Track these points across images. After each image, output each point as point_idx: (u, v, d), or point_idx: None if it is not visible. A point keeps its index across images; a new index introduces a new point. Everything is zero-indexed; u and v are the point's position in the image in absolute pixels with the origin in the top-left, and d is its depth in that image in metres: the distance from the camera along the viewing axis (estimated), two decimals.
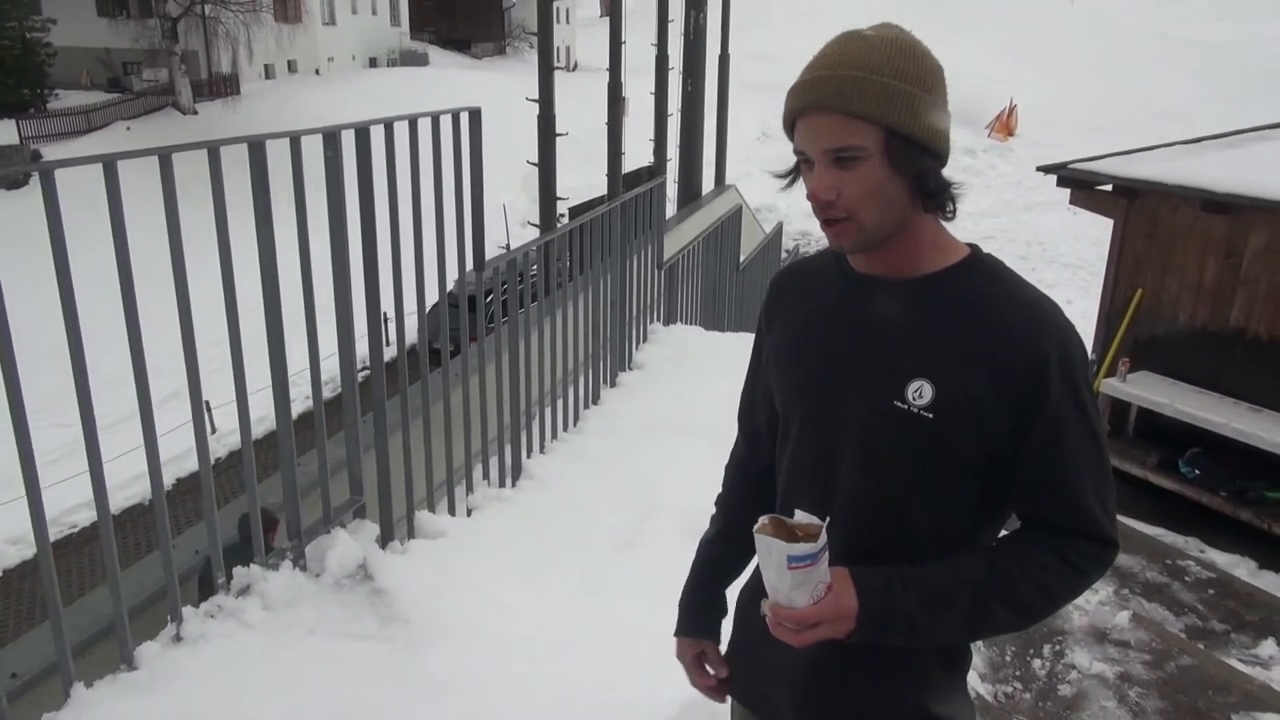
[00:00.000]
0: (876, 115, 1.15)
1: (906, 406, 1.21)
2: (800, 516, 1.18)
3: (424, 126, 2.91)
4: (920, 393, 1.21)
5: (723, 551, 1.54)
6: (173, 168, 2.14)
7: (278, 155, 2.45)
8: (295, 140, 2.43)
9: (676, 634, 1.54)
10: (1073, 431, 1.20)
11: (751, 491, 1.52)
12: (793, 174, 1.27)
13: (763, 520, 1.19)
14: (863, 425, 1.26)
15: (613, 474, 3.96)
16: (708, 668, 1.52)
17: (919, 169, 1.19)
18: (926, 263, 1.26)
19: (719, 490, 1.60)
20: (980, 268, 1.27)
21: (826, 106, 1.17)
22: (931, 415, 1.20)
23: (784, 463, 1.39)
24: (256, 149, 2.40)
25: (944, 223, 1.27)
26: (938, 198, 1.22)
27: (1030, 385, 1.18)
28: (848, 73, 1.16)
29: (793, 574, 1.15)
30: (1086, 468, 1.22)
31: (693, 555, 1.58)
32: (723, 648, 1.54)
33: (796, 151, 1.23)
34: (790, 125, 1.23)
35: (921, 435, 1.21)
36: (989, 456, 1.22)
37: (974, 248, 1.30)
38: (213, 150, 2.25)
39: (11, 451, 1.96)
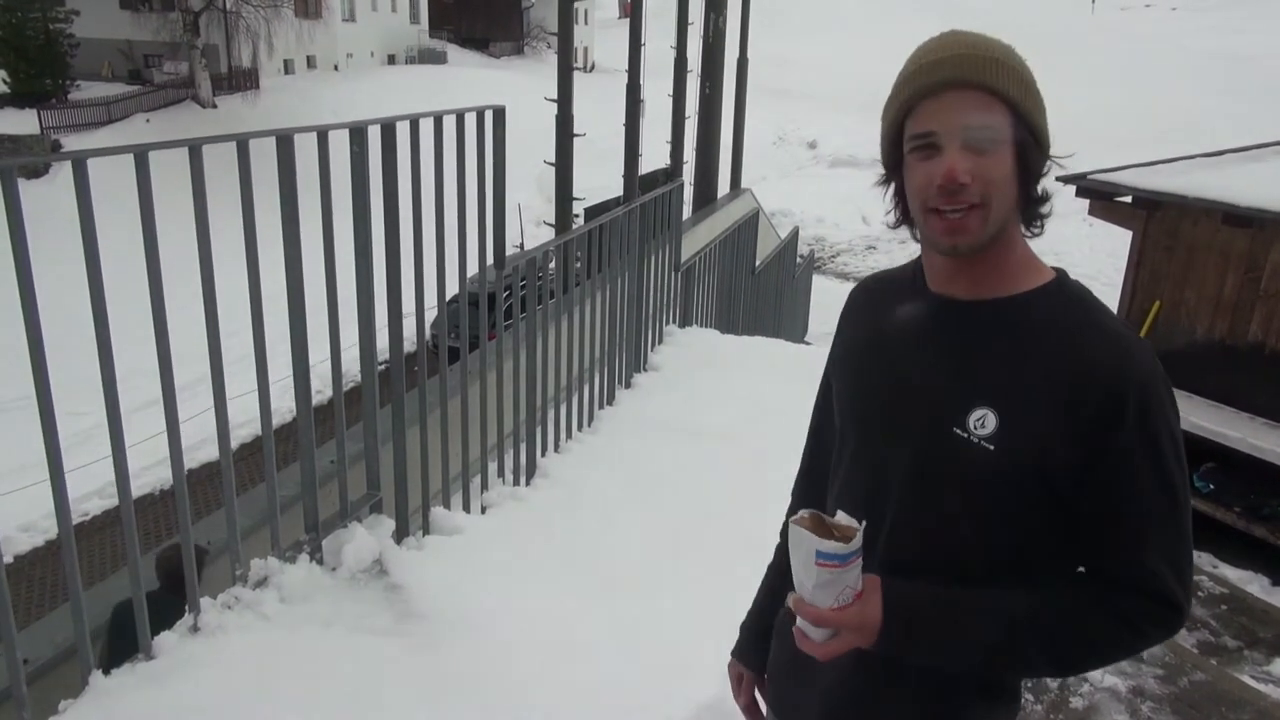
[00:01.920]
0: (1014, 96, 1.11)
1: (966, 435, 1.15)
2: (840, 517, 1.16)
3: (448, 123, 2.91)
4: (983, 422, 1.14)
5: (783, 583, 1.48)
6: (203, 160, 2.16)
7: (298, 149, 2.47)
8: (323, 135, 2.44)
9: (732, 653, 1.57)
10: (1143, 480, 1.12)
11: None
12: (891, 173, 1.22)
13: (802, 513, 1.16)
14: (918, 450, 1.20)
15: (627, 475, 3.96)
16: (751, 693, 1.53)
17: (1033, 168, 1.15)
18: (1010, 283, 1.19)
19: (785, 509, 1.52)
20: (1064, 293, 1.19)
21: (970, 81, 1.11)
22: (992, 447, 1.13)
23: (837, 476, 1.35)
24: (284, 143, 2.41)
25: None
26: (1039, 206, 1.18)
27: (1103, 423, 1.10)
28: (985, 53, 1.12)
29: (819, 571, 1.13)
30: (1155, 522, 1.13)
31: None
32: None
33: (917, 136, 1.14)
34: (906, 111, 1.16)
35: (979, 466, 1.15)
36: (1051, 494, 1.15)
37: (1060, 272, 1.22)
38: (241, 143, 2.26)
39: (18, 440, 1.97)
